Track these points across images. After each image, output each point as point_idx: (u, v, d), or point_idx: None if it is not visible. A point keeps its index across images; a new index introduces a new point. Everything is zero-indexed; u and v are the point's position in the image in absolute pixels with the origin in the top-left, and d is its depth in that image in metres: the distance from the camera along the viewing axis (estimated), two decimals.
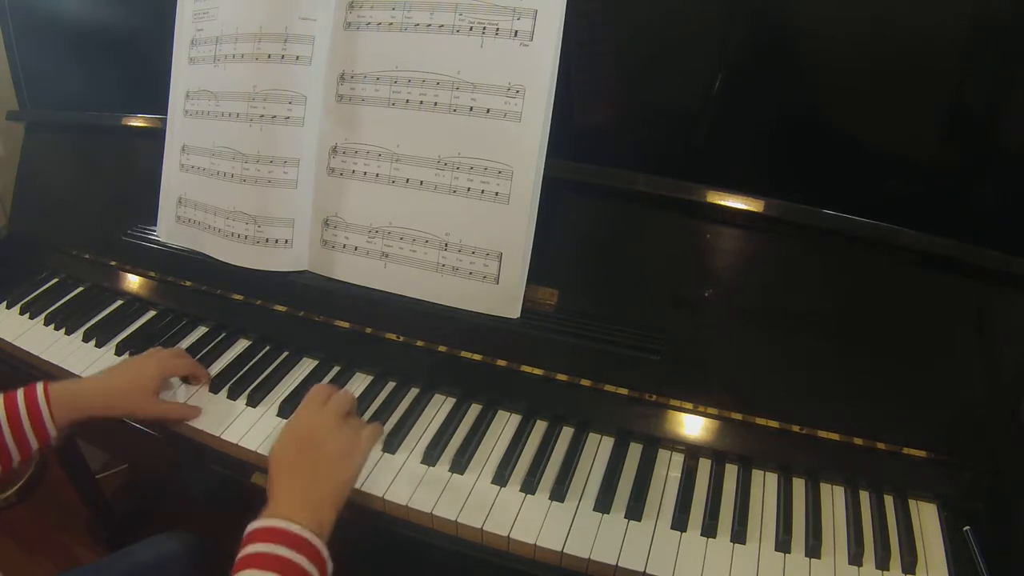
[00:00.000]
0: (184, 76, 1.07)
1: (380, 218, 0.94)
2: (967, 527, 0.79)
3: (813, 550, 0.76)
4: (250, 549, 0.62)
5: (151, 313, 1.14)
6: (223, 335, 1.07)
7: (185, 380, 0.97)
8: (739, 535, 0.77)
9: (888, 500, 0.83)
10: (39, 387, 0.83)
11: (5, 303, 1.18)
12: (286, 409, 0.92)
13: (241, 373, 0.99)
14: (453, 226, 0.90)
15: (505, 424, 0.91)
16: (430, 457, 0.85)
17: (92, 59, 1.25)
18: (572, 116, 0.90)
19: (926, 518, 0.81)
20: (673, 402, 0.87)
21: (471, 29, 0.86)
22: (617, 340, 0.86)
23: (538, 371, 0.91)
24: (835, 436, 0.83)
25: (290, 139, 0.97)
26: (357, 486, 0.81)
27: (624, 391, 0.88)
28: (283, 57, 0.95)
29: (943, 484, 0.82)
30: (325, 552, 0.64)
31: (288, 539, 0.62)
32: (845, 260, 0.84)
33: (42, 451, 0.83)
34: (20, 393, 0.82)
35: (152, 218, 1.12)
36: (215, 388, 0.96)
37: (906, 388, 0.82)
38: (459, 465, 0.84)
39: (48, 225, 1.29)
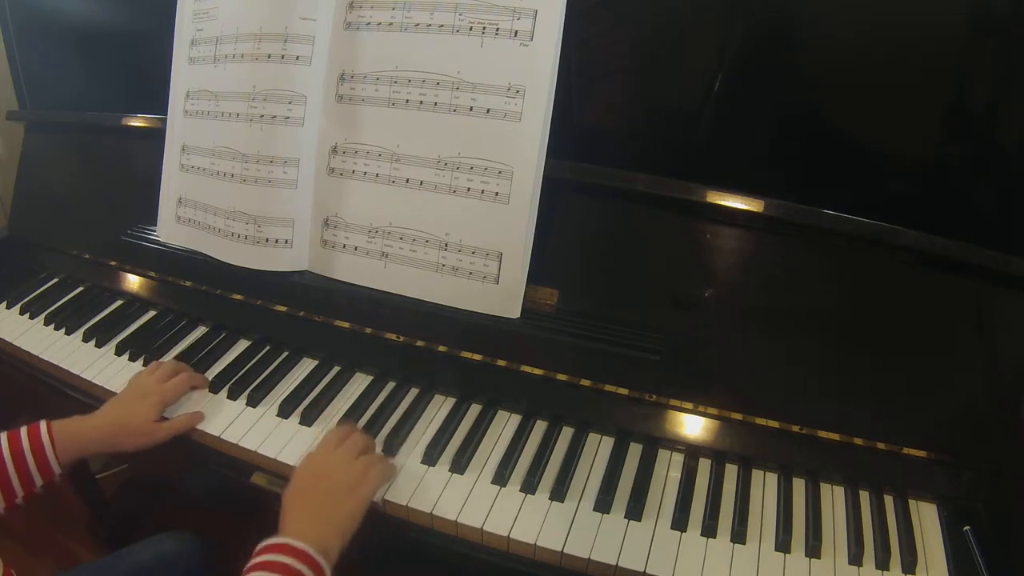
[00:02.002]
0: (184, 76, 1.07)
1: (380, 218, 0.94)
2: (967, 527, 0.79)
3: (813, 550, 0.76)
4: (257, 559, 0.67)
5: (151, 313, 1.14)
6: (223, 335, 1.07)
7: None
8: (739, 535, 0.77)
9: (888, 500, 0.83)
10: (43, 427, 0.83)
11: (5, 303, 1.18)
12: (286, 409, 0.92)
13: (241, 373, 0.99)
14: (453, 226, 0.90)
15: (505, 424, 0.91)
16: (430, 457, 0.85)
17: (92, 59, 1.25)
18: (572, 116, 0.90)
19: (926, 518, 0.81)
20: (673, 402, 0.87)
21: (471, 29, 0.86)
22: (617, 340, 0.86)
23: (538, 371, 0.91)
24: (835, 436, 0.83)
25: (290, 139, 0.97)
26: None
27: (624, 391, 0.88)
28: (283, 57, 0.95)
29: (943, 484, 0.82)
30: (327, 570, 0.68)
31: (293, 552, 0.67)
32: (845, 260, 0.84)
33: (46, 487, 0.83)
34: (24, 432, 0.82)
35: (152, 218, 1.12)
36: (215, 388, 0.96)
37: (906, 388, 0.82)
38: (459, 465, 0.84)
39: (48, 225, 1.29)
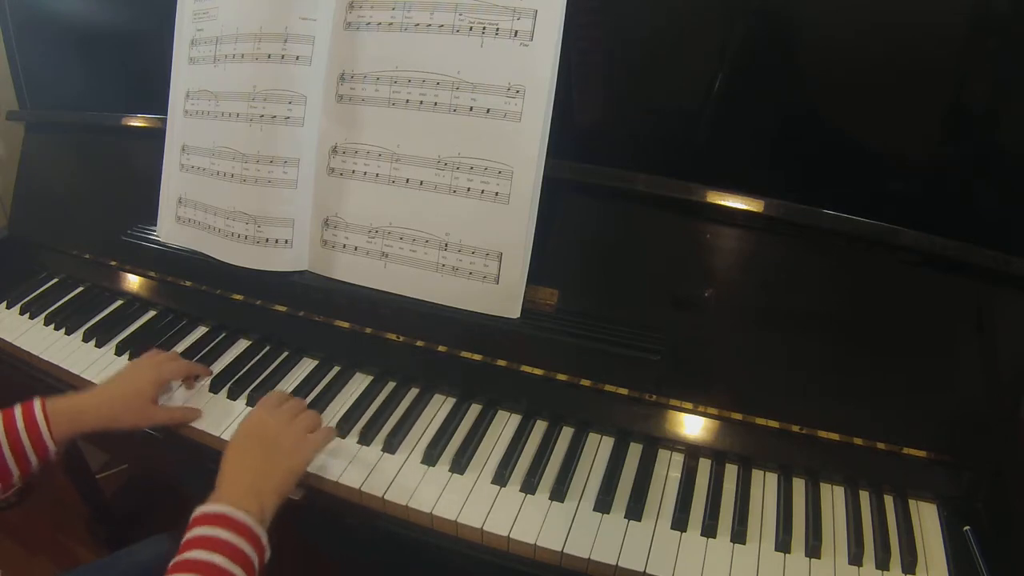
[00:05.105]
0: (184, 76, 1.07)
1: (380, 218, 0.94)
2: (967, 527, 0.79)
3: (813, 550, 0.76)
4: (196, 532, 0.66)
5: (151, 313, 1.14)
6: (223, 335, 1.07)
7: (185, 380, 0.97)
8: (739, 535, 0.77)
9: (888, 500, 0.83)
10: (36, 403, 0.82)
11: (5, 303, 1.18)
12: None
13: (241, 373, 0.99)
14: (453, 226, 0.90)
15: (505, 424, 0.91)
16: (430, 457, 0.85)
17: (92, 59, 1.25)
18: (572, 116, 0.90)
19: (926, 518, 0.81)
20: (673, 402, 0.87)
21: (471, 29, 0.86)
22: (617, 340, 0.86)
23: (538, 371, 0.91)
24: (835, 436, 0.83)
25: (290, 139, 0.97)
26: (357, 486, 0.82)
27: (624, 391, 0.88)
28: (283, 57, 0.95)
29: (943, 484, 0.82)
30: (265, 539, 0.69)
31: (232, 524, 0.67)
32: (845, 260, 0.84)
33: (42, 466, 0.83)
34: (18, 410, 0.82)
35: (152, 218, 1.12)
36: (215, 388, 0.96)
37: (906, 388, 0.82)
38: (459, 465, 0.84)
39: (48, 225, 1.29)
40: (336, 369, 1.00)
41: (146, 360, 0.94)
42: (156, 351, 0.98)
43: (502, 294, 0.89)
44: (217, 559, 0.63)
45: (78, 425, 0.85)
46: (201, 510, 0.68)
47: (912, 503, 0.83)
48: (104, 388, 0.90)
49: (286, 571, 0.94)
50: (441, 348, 0.95)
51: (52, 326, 1.12)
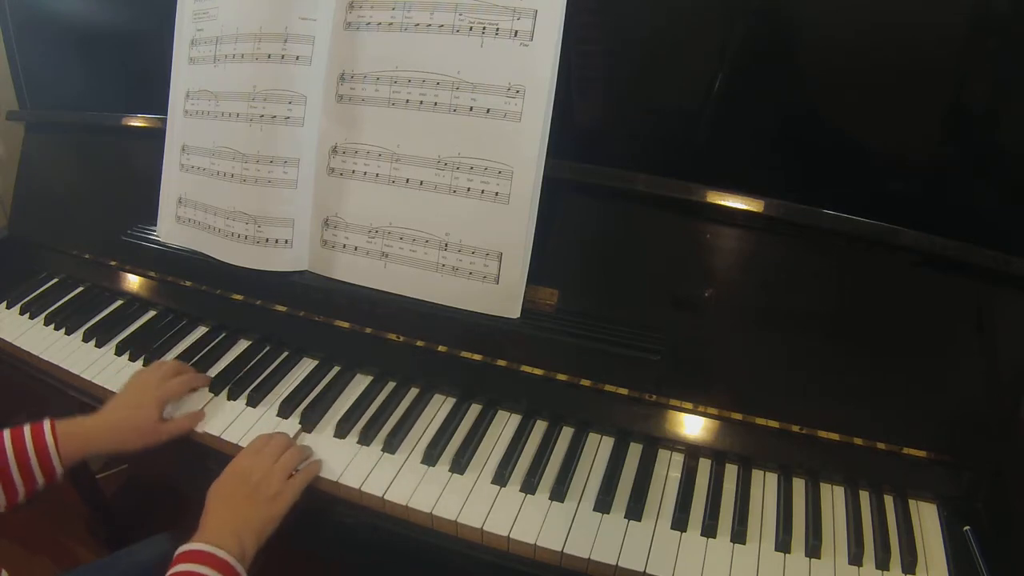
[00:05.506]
0: (184, 76, 1.07)
1: (380, 218, 0.94)
2: (967, 527, 0.79)
3: (813, 550, 0.76)
4: (178, 568, 0.68)
5: (151, 313, 1.14)
6: (223, 335, 1.07)
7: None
8: (739, 535, 0.77)
9: (888, 500, 0.83)
10: (46, 426, 0.83)
11: (5, 303, 1.18)
12: (286, 409, 0.92)
13: (241, 373, 0.99)
14: (453, 226, 0.90)
15: (505, 424, 0.91)
16: (430, 457, 0.85)
17: (92, 59, 1.25)
18: (572, 116, 0.90)
19: (926, 518, 0.81)
20: (673, 402, 0.87)
21: (471, 29, 0.86)
22: (617, 340, 0.86)
23: (538, 371, 0.91)
24: (835, 436, 0.83)
25: (290, 139, 0.97)
26: (357, 486, 0.82)
27: (624, 391, 0.88)
28: (283, 57, 0.95)
29: (943, 484, 0.82)
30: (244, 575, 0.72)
31: (212, 561, 0.69)
32: (845, 260, 0.84)
33: (47, 486, 0.83)
34: (27, 431, 0.82)
35: (152, 218, 1.12)
36: (215, 388, 0.97)
37: (906, 388, 0.82)
38: (459, 465, 0.84)
39: (48, 225, 1.29)
40: (336, 369, 1.00)
41: (150, 378, 0.93)
42: (159, 364, 0.97)
43: (502, 294, 0.89)
44: None
45: (87, 449, 0.86)
46: (183, 548, 0.70)
47: (912, 503, 0.83)
48: (112, 411, 0.90)
49: (286, 571, 0.94)
50: (441, 348, 0.95)
51: (52, 326, 1.12)
